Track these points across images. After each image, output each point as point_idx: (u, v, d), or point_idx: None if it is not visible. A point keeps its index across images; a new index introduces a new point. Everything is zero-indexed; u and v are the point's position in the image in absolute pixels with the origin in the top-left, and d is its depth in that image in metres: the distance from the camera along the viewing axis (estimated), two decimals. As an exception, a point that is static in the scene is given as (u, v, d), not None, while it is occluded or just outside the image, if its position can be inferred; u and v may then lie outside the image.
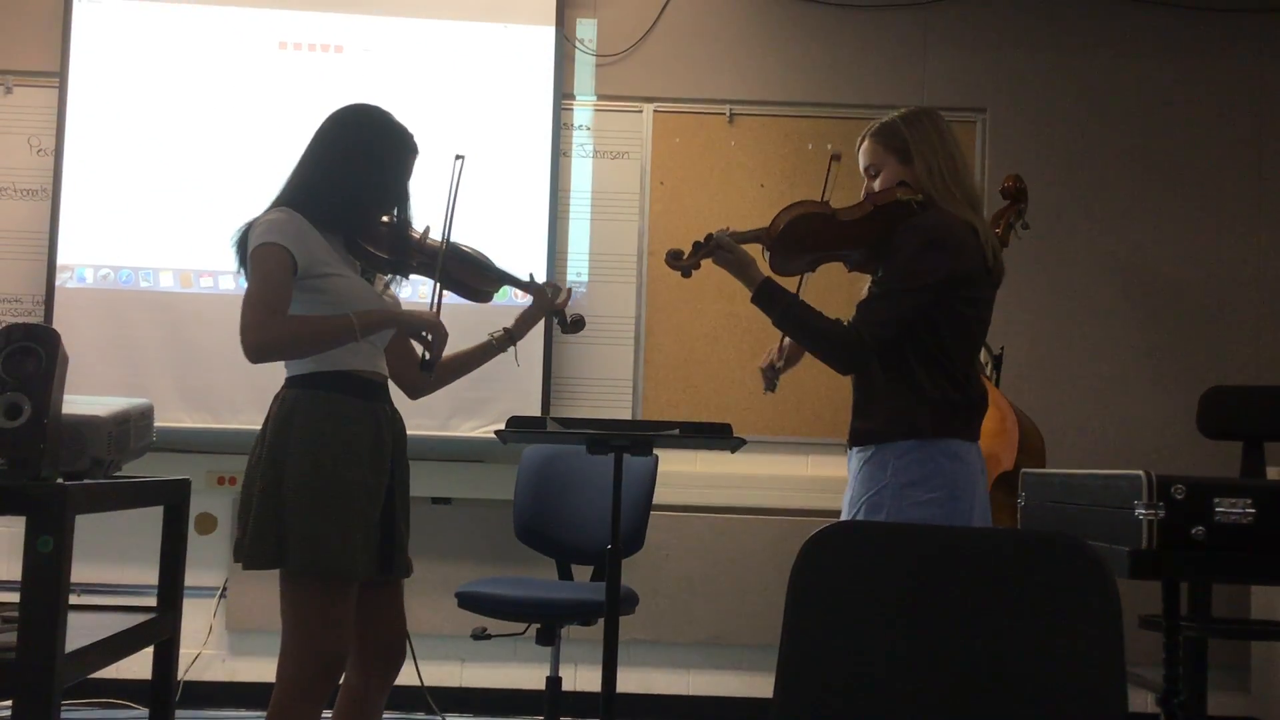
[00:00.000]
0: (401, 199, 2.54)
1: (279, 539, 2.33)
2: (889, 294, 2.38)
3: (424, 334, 2.47)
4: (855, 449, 2.49)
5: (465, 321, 2.80)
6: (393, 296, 2.63)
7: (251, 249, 2.36)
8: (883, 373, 2.42)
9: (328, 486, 2.35)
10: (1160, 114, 4.53)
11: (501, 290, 2.80)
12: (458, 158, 2.55)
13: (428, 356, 2.48)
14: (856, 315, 2.40)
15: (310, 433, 2.37)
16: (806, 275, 2.61)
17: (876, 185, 2.50)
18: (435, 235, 2.60)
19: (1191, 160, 4.52)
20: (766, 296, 2.44)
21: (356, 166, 2.45)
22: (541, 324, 2.97)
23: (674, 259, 2.45)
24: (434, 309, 2.52)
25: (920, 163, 2.44)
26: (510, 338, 2.74)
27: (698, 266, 2.47)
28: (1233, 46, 4.54)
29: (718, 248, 2.43)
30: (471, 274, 2.66)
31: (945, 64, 4.51)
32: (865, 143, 2.53)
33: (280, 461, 2.36)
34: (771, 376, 2.70)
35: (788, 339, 2.69)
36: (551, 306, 2.76)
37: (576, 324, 2.78)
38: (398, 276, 2.63)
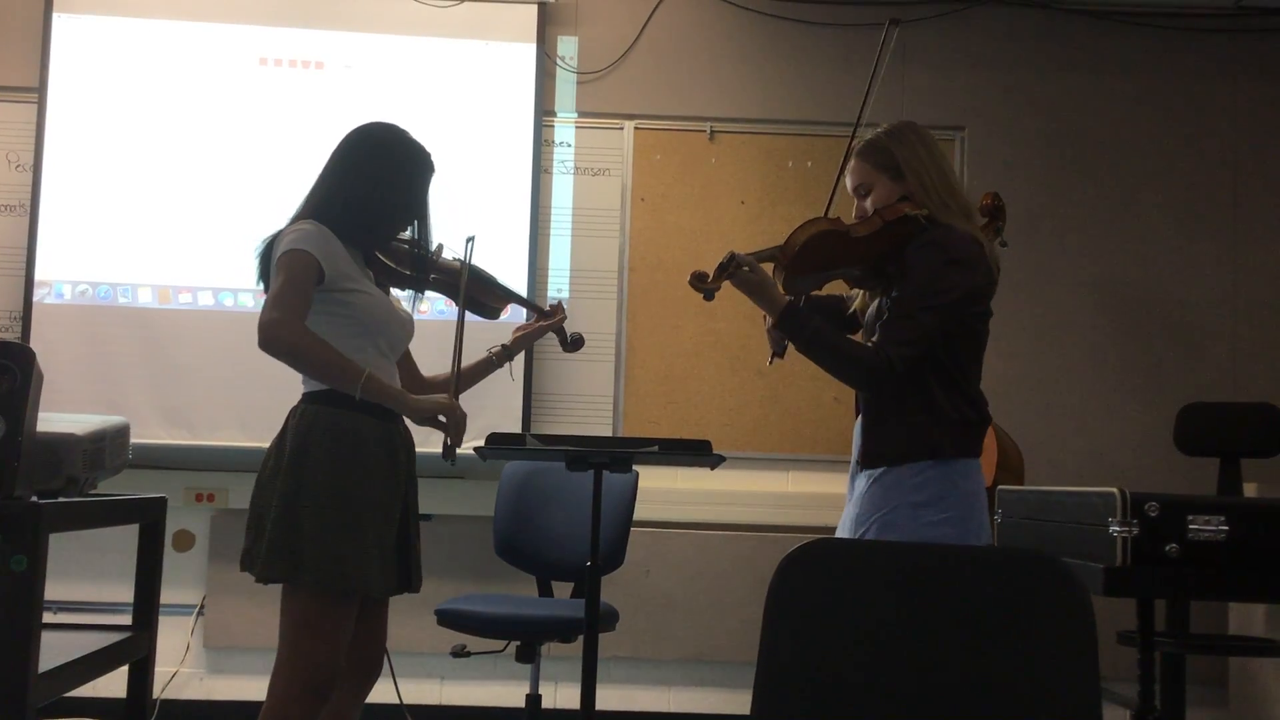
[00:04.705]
0: (421, 215, 2.59)
1: (294, 553, 2.34)
2: (911, 313, 2.31)
3: (440, 419, 2.45)
4: (864, 470, 2.41)
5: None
6: (406, 313, 2.65)
7: (280, 253, 2.38)
8: (898, 393, 2.35)
9: (345, 505, 2.37)
10: (1137, 134, 4.57)
11: None
12: (468, 240, 2.62)
13: (449, 443, 2.46)
14: (880, 336, 2.33)
15: (329, 451, 2.38)
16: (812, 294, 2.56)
17: (869, 204, 2.45)
18: (448, 255, 2.66)
19: (1168, 179, 4.56)
20: (792, 320, 2.36)
21: (379, 182, 2.51)
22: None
23: (699, 281, 2.37)
24: (458, 332, 2.57)
25: (913, 178, 2.41)
26: (507, 354, 2.80)
27: (719, 289, 2.39)
28: (1209, 68, 4.59)
29: (739, 268, 2.35)
30: (486, 293, 2.74)
31: (924, 83, 4.55)
32: (852, 162, 2.49)
33: (299, 476, 2.37)
34: (779, 337, 2.53)
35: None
36: (556, 325, 2.83)
37: (577, 342, 2.85)
38: (415, 293, 2.67)
